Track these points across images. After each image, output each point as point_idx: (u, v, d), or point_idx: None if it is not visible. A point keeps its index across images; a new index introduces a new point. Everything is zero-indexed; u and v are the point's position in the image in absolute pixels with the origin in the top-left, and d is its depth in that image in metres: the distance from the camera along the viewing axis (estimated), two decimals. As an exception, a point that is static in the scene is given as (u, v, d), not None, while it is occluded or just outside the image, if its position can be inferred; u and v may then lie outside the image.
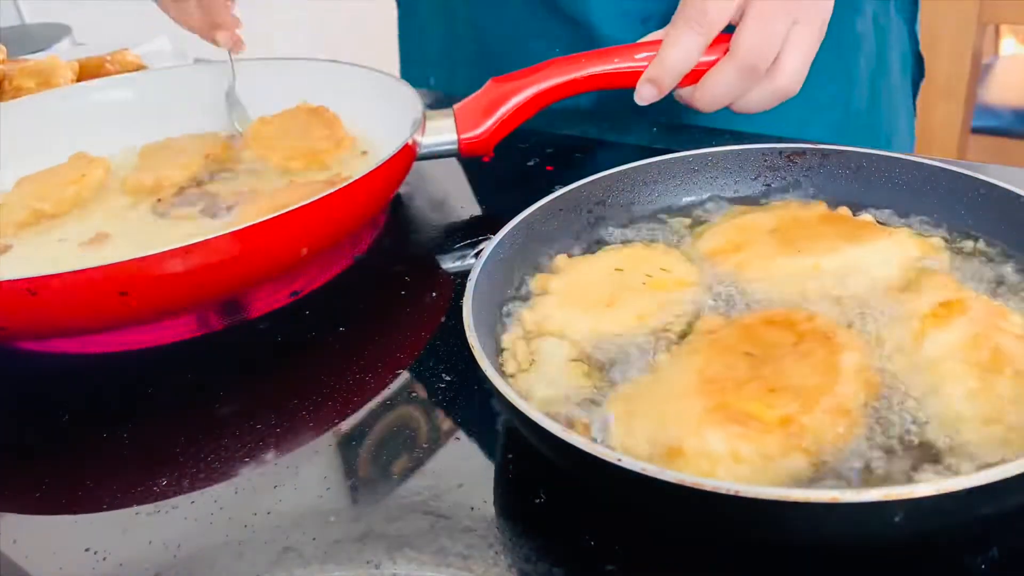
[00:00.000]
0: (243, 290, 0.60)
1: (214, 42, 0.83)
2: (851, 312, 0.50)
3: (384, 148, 0.75)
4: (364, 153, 0.79)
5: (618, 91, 0.72)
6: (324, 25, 1.83)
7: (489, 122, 0.71)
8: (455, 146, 0.72)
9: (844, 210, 0.59)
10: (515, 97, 0.71)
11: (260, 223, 0.55)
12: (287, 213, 0.56)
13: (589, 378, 0.48)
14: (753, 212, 0.60)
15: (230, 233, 0.54)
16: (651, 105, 0.71)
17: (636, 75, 0.70)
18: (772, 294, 0.52)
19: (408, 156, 0.67)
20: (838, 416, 0.42)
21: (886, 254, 0.53)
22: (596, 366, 0.49)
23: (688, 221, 0.61)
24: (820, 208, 0.59)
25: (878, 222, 0.58)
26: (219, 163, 0.80)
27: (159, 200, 0.74)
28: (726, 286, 0.54)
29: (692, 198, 0.63)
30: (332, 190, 0.58)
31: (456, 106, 0.73)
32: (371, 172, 0.61)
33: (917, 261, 0.53)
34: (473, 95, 0.73)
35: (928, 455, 0.41)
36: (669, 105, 0.74)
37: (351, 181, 0.60)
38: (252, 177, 0.77)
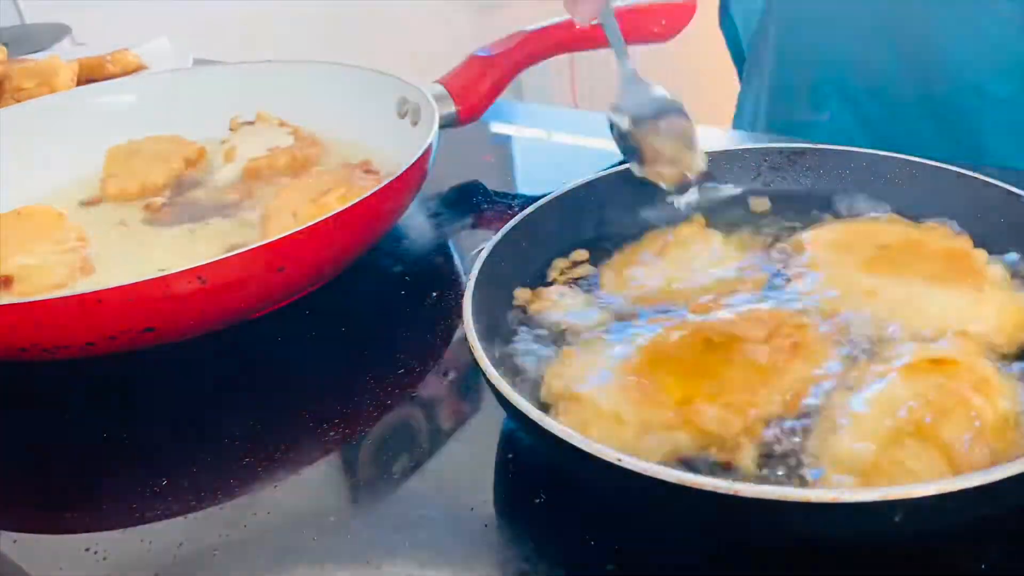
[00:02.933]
0: (331, 273, 0.62)
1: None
2: (858, 340, 0.47)
3: (378, 142, 0.77)
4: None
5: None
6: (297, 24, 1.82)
7: (482, 90, 0.79)
8: (455, 117, 0.78)
9: (981, 253, 0.53)
10: (499, 67, 0.80)
11: (358, 204, 0.57)
12: (370, 197, 0.58)
13: (592, 319, 0.51)
14: (892, 223, 0.57)
15: (336, 214, 0.56)
16: None
17: (599, 37, 0.69)
18: (814, 299, 0.51)
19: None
20: (735, 414, 0.42)
21: (956, 311, 0.48)
22: (609, 312, 0.52)
23: (829, 217, 0.60)
24: (959, 242, 0.54)
25: (1012, 276, 0.52)
26: (197, 168, 0.80)
27: (151, 211, 0.73)
28: (781, 277, 0.53)
29: (694, 197, 0.63)
30: (390, 180, 0.59)
31: (444, 80, 0.79)
32: (414, 163, 0.62)
33: (985, 327, 0.47)
34: (456, 69, 0.80)
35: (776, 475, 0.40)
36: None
37: (399, 173, 0.60)
38: (232, 188, 0.76)
